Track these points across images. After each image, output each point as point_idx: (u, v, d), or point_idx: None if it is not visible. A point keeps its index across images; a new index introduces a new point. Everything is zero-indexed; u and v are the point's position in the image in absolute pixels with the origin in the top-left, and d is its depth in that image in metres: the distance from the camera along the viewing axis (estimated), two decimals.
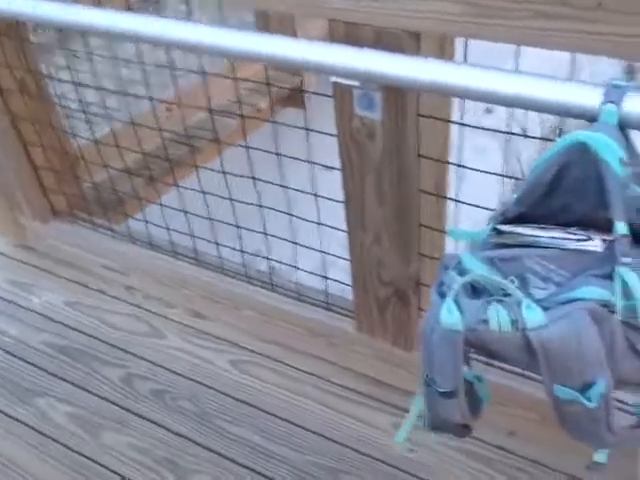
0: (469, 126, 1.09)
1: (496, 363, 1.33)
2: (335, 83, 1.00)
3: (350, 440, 1.43)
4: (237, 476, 1.38)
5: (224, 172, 1.49)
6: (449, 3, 0.85)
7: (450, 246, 1.15)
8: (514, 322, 0.67)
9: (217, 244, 1.61)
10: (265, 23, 2.89)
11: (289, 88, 2.93)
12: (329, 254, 1.43)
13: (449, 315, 0.69)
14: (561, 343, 0.66)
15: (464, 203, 1.11)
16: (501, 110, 1.10)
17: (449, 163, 1.14)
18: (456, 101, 1.10)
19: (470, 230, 0.85)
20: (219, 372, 1.60)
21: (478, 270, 0.74)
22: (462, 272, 0.75)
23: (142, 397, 1.55)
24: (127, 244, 1.81)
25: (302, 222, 1.43)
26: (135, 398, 1.55)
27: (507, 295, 0.70)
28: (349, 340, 1.48)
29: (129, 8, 1.79)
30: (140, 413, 1.52)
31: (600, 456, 0.87)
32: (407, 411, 1.50)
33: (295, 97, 3.17)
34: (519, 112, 1.12)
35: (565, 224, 0.82)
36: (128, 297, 1.82)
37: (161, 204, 1.69)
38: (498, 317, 0.67)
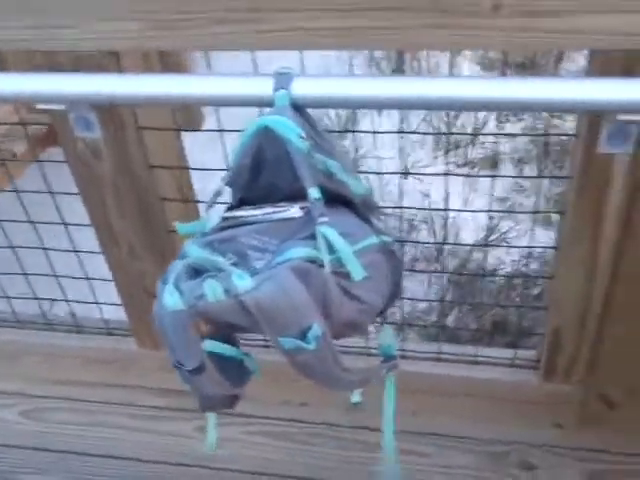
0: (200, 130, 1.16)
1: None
2: (47, 110, 1.02)
3: (160, 455, 1.45)
4: None
5: None
6: (127, 22, 0.92)
7: None
8: (227, 291, 0.74)
9: None
10: None
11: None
12: (92, 279, 1.43)
13: (170, 298, 0.75)
14: (271, 300, 0.74)
15: (205, 202, 1.17)
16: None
17: (181, 168, 1.21)
18: None
19: (195, 223, 0.92)
20: (11, 426, 1.52)
21: (196, 254, 0.81)
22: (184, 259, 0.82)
23: None
24: None
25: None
26: None
27: (223, 271, 0.78)
28: (136, 359, 1.50)
29: None
30: None
31: (355, 397, 0.99)
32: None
33: (55, 136, 3.07)
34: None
35: (279, 201, 0.92)
36: None
37: None
38: (213, 289, 0.75)
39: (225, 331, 0.89)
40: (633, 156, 0.97)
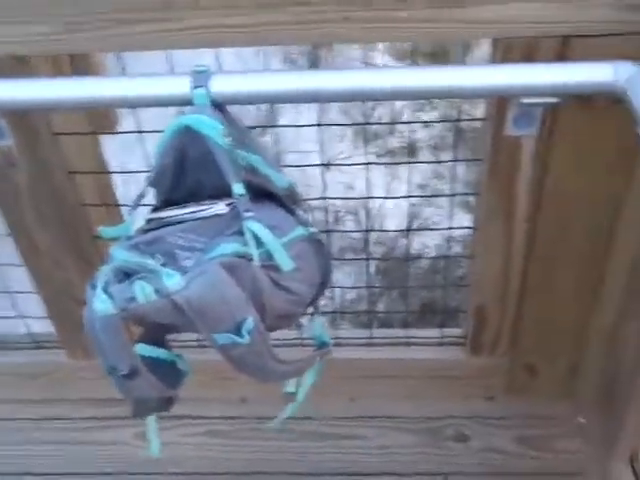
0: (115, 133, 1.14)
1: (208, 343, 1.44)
2: None
3: (100, 466, 1.44)
4: None
5: None
6: (35, 25, 0.90)
7: None
8: (158, 291, 0.75)
9: None
10: None
11: None
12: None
13: (100, 303, 0.75)
14: (202, 297, 0.75)
15: (128, 205, 1.16)
16: None
17: (101, 173, 1.19)
18: None
19: (120, 226, 0.91)
20: None
21: (123, 257, 0.81)
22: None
23: None
24: None
25: None
26: None
27: (152, 272, 0.78)
28: (68, 371, 1.47)
29: None
30: None
31: (289, 387, 1.00)
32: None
33: None
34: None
35: (205, 199, 0.92)
36: None
37: None
38: (143, 291, 0.75)
39: (158, 333, 0.89)
40: (538, 137, 1.03)
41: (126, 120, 3.01)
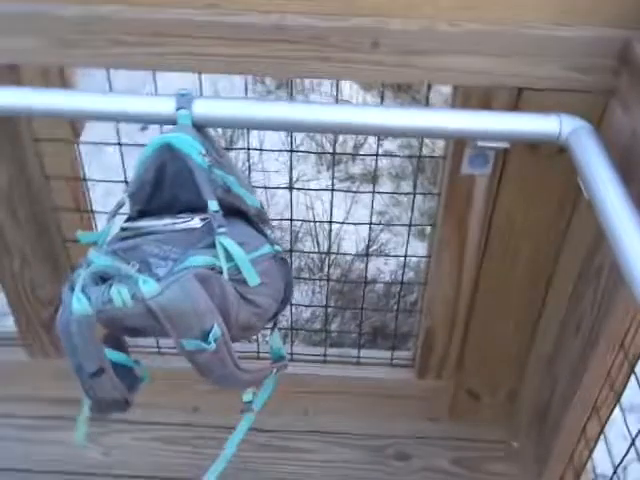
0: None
1: (166, 351, 1.48)
2: None
3: (51, 465, 1.45)
4: None
5: None
6: (28, 38, 0.96)
7: None
8: (134, 296, 0.80)
9: None
10: None
11: None
12: None
13: (78, 304, 0.79)
14: (175, 304, 0.80)
15: (101, 213, 1.21)
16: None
17: (79, 179, 1.23)
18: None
19: (98, 232, 0.96)
20: None
21: (101, 262, 0.86)
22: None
23: None
24: None
25: None
26: None
27: (128, 277, 0.83)
28: (26, 370, 1.49)
29: None
30: None
31: (247, 396, 1.05)
32: (97, 419, 1.56)
33: None
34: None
35: (178, 212, 0.97)
36: None
37: None
38: (120, 294, 0.80)
39: (123, 336, 0.94)
40: (490, 177, 1.12)
41: (88, 129, 3.04)
